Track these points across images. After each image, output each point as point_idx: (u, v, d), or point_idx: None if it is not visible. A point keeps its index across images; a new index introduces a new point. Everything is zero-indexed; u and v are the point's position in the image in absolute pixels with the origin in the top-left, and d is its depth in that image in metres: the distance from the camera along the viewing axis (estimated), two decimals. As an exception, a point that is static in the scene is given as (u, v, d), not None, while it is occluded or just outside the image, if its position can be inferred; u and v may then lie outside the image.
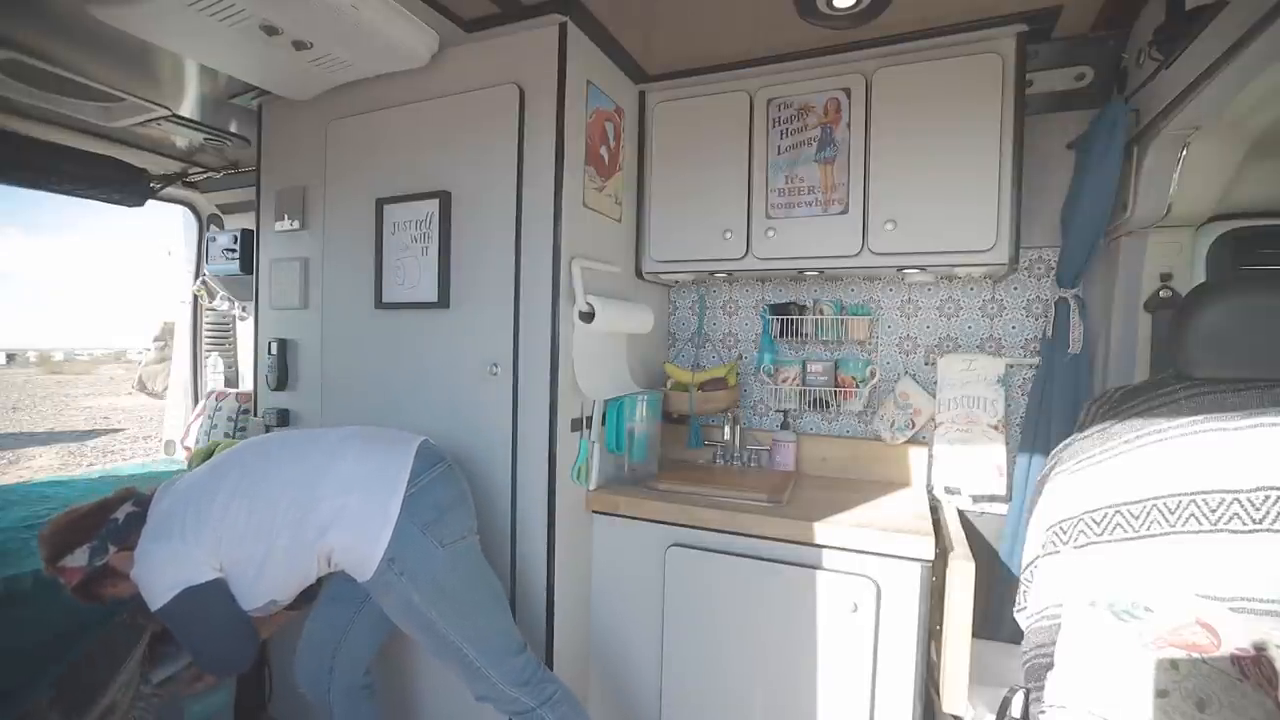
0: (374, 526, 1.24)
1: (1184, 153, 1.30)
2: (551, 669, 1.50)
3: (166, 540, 1.23)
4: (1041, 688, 0.93)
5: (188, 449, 2.66)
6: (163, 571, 1.21)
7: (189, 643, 1.30)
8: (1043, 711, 0.87)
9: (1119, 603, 0.87)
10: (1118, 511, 0.96)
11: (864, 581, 1.38)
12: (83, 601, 1.30)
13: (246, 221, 2.44)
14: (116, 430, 10.09)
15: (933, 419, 1.84)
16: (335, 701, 1.48)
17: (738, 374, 2.06)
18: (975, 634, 1.35)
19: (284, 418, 1.91)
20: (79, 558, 1.26)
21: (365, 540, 1.24)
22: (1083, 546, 0.98)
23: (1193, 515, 0.89)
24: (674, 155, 1.84)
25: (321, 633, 1.49)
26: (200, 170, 2.56)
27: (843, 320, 1.93)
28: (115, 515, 1.30)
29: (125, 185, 2.31)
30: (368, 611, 1.47)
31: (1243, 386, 0.95)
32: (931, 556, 1.35)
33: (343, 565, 1.28)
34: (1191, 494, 0.90)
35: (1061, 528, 1.02)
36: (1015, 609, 1.10)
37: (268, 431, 1.89)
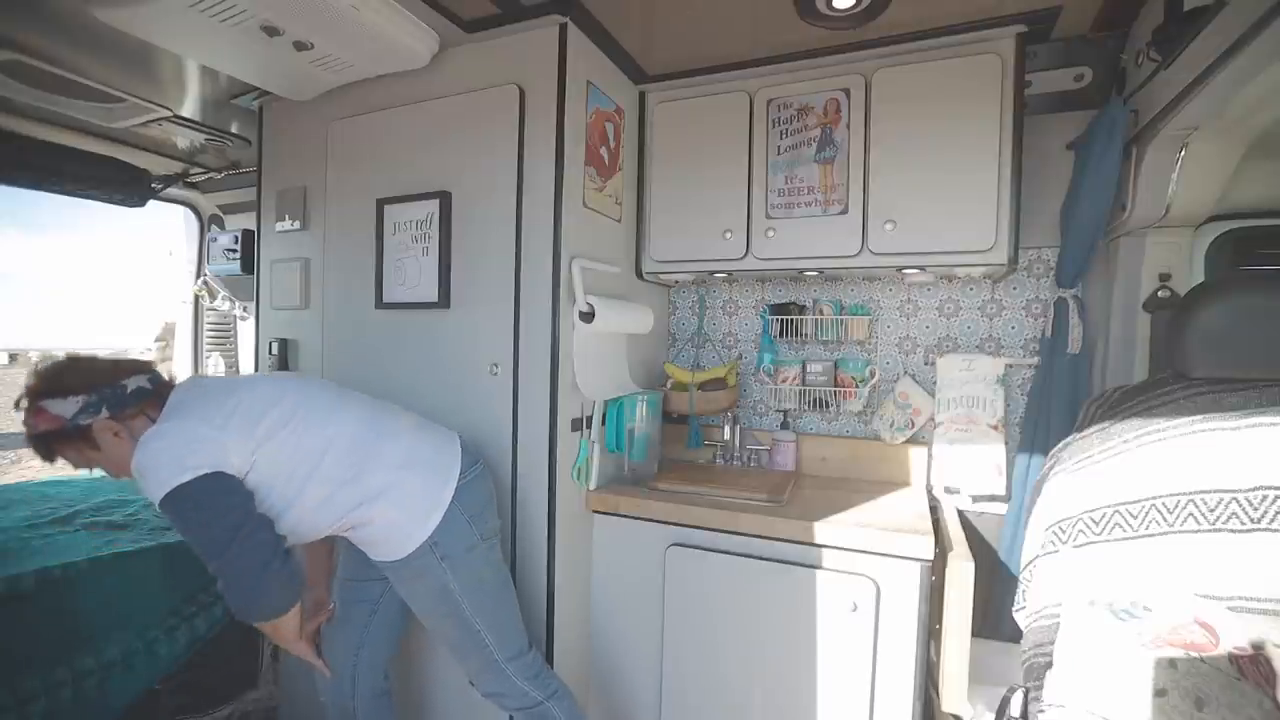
0: (425, 507, 1.24)
1: (1183, 153, 1.31)
2: (552, 667, 1.50)
3: (200, 423, 1.10)
4: (1040, 687, 0.93)
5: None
6: (190, 450, 1.06)
7: (214, 543, 1.04)
8: (1042, 710, 0.87)
9: (1118, 602, 0.87)
10: (1117, 511, 0.96)
11: (864, 581, 1.38)
12: (34, 450, 1.14)
13: (247, 222, 2.45)
14: (117, 430, 10.07)
15: (932, 419, 1.85)
16: (360, 710, 1.44)
17: (738, 374, 2.06)
18: (975, 633, 1.36)
19: (285, 418, 1.91)
20: (66, 407, 1.11)
21: (413, 519, 1.23)
22: (1082, 546, 0.98)
23: (1191, 515, 0.90)
24: (674, 155, 1.84)
25: (342, 638, 1.45)
26: (201, 171, 2.57)
27: (842, 320, 1.93)
28: (124, 382, 1.17)
29: (126, 186, 2.31)
30: (384, 609, 1.46)
31: (1241, 386, 0.95)
32: (931, 556, 1.35)
33: (366, 540, 1.26)
34: (1190, 494, 0.90)
35: (1061, 527, 1.02)
36: (1014, 608, 1.10)
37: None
